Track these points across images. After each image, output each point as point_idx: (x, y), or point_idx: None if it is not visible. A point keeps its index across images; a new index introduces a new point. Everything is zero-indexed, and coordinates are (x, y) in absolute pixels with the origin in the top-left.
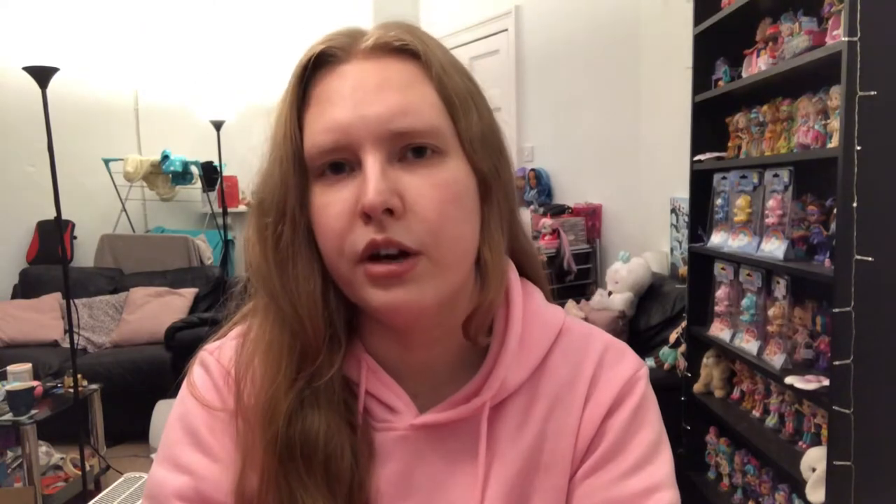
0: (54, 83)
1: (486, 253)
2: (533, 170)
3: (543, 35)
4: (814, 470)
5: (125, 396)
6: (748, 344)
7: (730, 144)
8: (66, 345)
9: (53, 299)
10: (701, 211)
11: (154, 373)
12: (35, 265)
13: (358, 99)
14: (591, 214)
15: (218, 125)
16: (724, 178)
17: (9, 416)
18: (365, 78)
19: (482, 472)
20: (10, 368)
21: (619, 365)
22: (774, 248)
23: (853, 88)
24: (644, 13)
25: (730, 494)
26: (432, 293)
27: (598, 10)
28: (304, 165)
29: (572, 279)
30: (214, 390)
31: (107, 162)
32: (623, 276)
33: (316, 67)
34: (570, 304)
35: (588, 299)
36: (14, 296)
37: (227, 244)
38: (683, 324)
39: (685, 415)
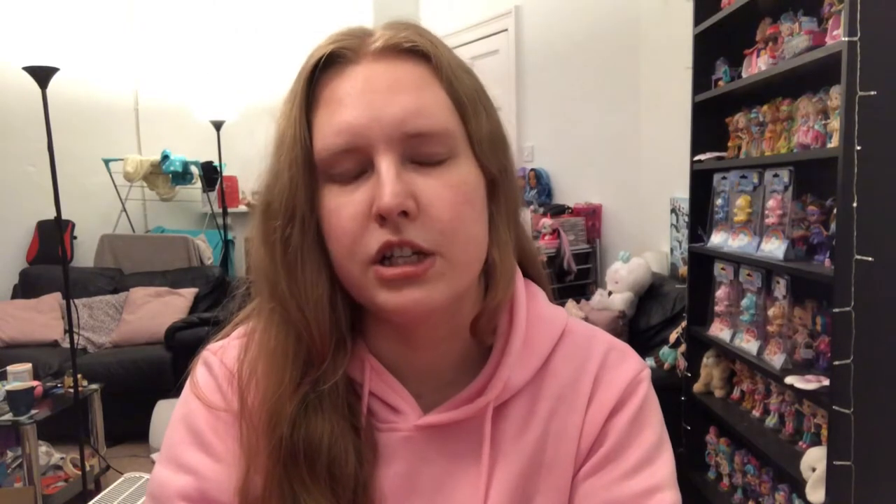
0: (54, 83)
1: (495, 253)
2: (533, 170)
3: (543, 35)
4: (814, 470)
5: (125, 396)
6: (748, 344)
7: (730, 144)
8: (66, 345)
9: (53, 299)
10: (701, 211)
11: (154, 373)
12: (35, 265)
13: (370, 100)
14: (591, 214)
15: (218, 125)
16: (724, 178)
17: (9, 416)
18: (376, 79)
19: (486, 473)
20: (10, 368)
21: (622, 366)
22: (774, 248)
23: (853, 88)
24: (644, 13)
25: (730, 494)
26: (444, 293)
27: (598, 10)
28: (313, 167)
29: (572, 279)
30: (218, 391)
31: (107, 162)
32: (623, 276)
33: (323, 68)
34: (570, 303)
35: (588, 299)
36: (14, 296)
37: (227, 244)
38: (683, 324)
39: (685, 415)
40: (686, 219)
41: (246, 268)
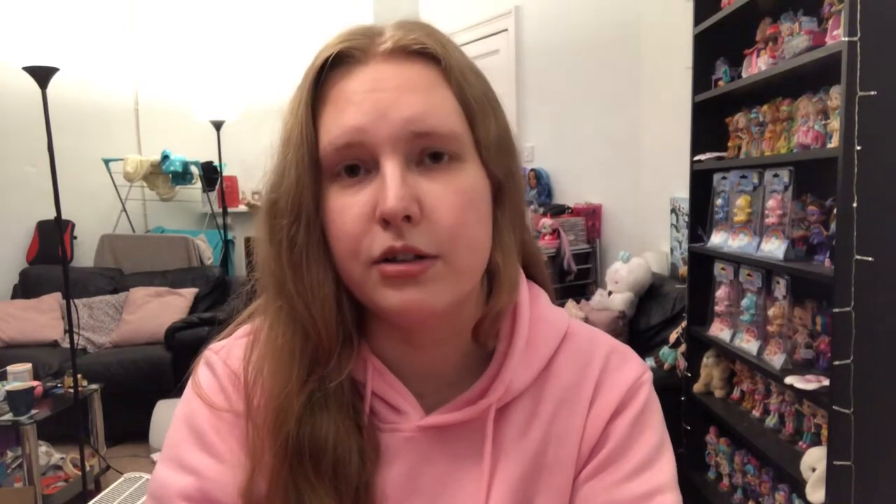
0: (54, 83)
1: (499, 258)
2: (533, 170)
3: (543, 35)
4: (814, 470)
5: (125, 396)
6: (748, 344)
7: (730, 144)
8: (66, 345)
9: (53, 299)
10: (701, 211)
11: (154, 373)
12: (35, 265)
13: (377, 100)
14: (591, 214)
15: (218, 125)
16: (724, 178)
17: (9, 416)
18: (384, 79)
19: (487, 474)
20: (10, 368)
21: (624, 368)
22: (774, 248)
23: (853, 88)
24: (644, 13)
25: (730, 494)
26: (446, 296)
27: (598, 10)
28: (319, 166)
29: (572, 279)
30: (220, 391)
31: (107, 162)
32: (623, 276)
33: (331, 67)
34: (570, 303)
35: (588, 299)
36: (14, 296)
37: (227, 244)
38: (683, 324)
39: (685, 415)
40: (686, 219)
41: (247, 267)
